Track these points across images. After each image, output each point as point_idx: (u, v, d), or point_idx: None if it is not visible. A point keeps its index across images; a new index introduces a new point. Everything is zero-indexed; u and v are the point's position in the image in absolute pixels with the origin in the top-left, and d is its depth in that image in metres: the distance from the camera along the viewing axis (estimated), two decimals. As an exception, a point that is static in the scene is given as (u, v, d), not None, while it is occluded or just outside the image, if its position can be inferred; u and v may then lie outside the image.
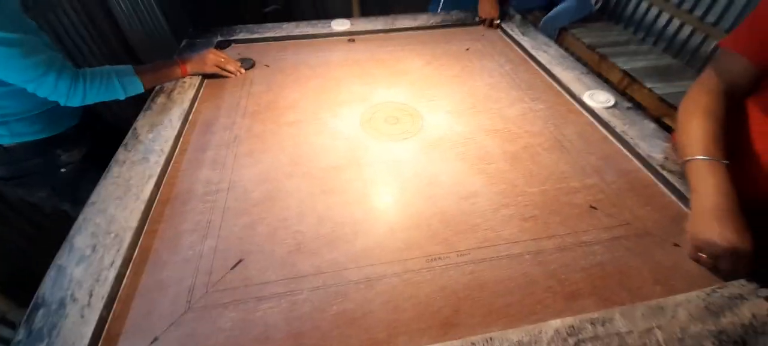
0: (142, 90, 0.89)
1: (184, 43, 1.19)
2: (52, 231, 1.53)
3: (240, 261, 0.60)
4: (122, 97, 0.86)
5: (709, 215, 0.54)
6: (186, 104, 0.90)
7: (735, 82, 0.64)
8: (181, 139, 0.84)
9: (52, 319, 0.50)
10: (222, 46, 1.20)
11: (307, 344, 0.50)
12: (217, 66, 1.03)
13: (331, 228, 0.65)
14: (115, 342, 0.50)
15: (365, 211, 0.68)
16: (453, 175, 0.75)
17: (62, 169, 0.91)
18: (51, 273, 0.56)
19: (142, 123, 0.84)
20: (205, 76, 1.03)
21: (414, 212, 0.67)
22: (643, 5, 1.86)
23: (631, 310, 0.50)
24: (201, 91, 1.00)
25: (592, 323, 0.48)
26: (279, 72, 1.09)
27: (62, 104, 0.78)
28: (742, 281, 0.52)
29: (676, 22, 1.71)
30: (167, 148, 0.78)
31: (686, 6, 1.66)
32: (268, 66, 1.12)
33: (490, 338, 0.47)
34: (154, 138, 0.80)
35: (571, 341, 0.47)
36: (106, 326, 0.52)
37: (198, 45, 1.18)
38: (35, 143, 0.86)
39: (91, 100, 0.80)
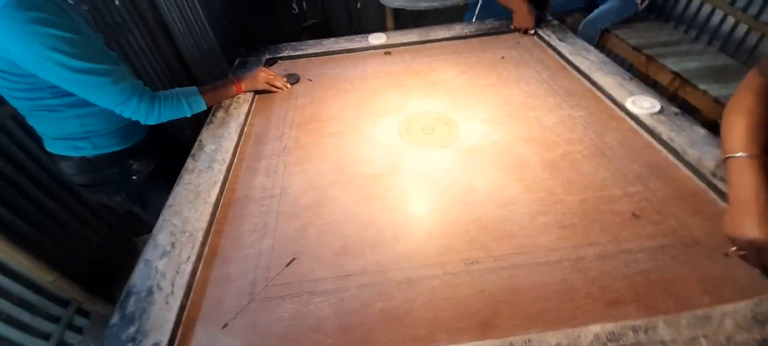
0: (205, 107, 1.01)
1: (237, 62, 1.32)
2: (120, 229, 1.74)
3: (293, 259, 0.67)
4: (189, 115, 0.97)
5: (746, 208, 0.56)
6: (241, 118, 1.01)
7: None
8: (238, 150, 0.93)
9: (142, 305, 0.60)
10: (270, 63, 1.31)
11: (355, 336, 0.55)
12: (267, 83, 1.13)
13: (373, 232, 0.70)
14: (193, 326, 0.59)
15: (405, 216, 0.72)
16: (490, 182, 0.77)
17: (134, 177, 1.04)
18: (140, 266, 0.66)
19: (206, 136, 0.95)
20: (257, 92, 1.14)
21: (451, 218, 0.71)
22: (695, 2, 1.76)
23: (676, 319, 0.49)
24: (253, 105, 1.10)
25: (634, 330, 0.49)
26: (320, 86, 1.17)
27: (142, 123, 0.91)
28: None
29: (730, 20, 1.60)
30: (228, 158, 0.87)
31: (740, 4, 1.54)
32: (310, 80, 1.20)
33: (529, 340, 0.50)
34: (216, 149, 0.91)
35: (611, 346, 0.48)
36: (185, 312, 0.60)
37: (250, 62, 1.30)
38: (113, 155, 0.98)
39: (165, 118, 0.92)
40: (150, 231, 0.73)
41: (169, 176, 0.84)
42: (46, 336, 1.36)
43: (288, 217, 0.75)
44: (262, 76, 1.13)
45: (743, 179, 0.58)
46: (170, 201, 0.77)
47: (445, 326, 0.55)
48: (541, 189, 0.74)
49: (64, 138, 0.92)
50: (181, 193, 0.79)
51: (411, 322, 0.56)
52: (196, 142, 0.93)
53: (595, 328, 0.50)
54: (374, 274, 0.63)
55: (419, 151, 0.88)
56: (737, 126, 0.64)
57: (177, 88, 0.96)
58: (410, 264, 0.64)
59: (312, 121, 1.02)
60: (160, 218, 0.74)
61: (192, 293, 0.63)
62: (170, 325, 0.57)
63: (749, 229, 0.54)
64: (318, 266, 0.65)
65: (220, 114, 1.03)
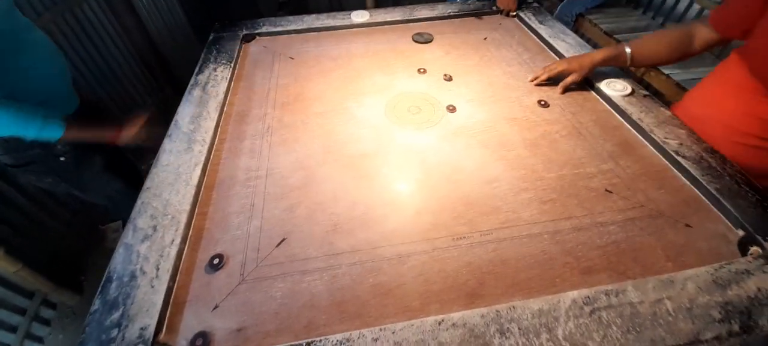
0: (58, 136, 0.88)
1: (211, 37, 1.25)
2: (84, 217, 1.63)
3: (283, 240, 0.66)
4: (31, 136, 0.85)
5: (586, 53, 0.95)
6: (221, 96, 0.96)
7: (696, 35, 0.84)
8: (219, 130, 0.90)
9: (126, 289, 0.58)
10: (247, 39, 1.25)
11: (348, 311, 0.56)
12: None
13: (363, 210, 0.71)
14: (182, 309, 0.58)
15: (393, 194, 0.74)
16: (475, 161, 0.80)
17: (61, 158, 0.97)
18: (120, 250, 0.63)
19: (182, 115, 0.91)
20: (234, 71, 1.08)
21: (439, 196, 0.73)
22: (663, -11, 1.84)
23: (643, 283, 0.54)
24: (232, 84, 1.05)
25: (607, 294, 0.54)
26: (303, 64, 1.14)
27: None
28: (749, 258, 0.57)
29: (696, 7, 1.69)
30: (208, 138, 0.84)
31: (706, -11, 1.63)
32: (292, 58, 1.17)
33: (513, 306, 0.53)
34: (195, 129, 0.87)
35: (587, 309, 0.52)
36: (173, 295, 0.59)
37: (225, 38, 1.23)
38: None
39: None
40: (118, 219, 0.70)
41: (105, 156, 0.76)
42: (12, 329, 1.29)
43: (276, 197, 0.74)
44: (131, 134, 0.97)
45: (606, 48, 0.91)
46: (148, 183, 0.74)
47: (435, 297, 0.58)
48: (523, 167, 0.78)
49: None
50: (159, 175, 0.76)
51: (403, 295, 0.58)
52: (172, 122, 0.88)
53: (573, 294, 0.54)
54: (365, 251, 0.64)
55: (406, 131, 0.89)
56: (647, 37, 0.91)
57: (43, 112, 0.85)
58: (400, 240, 0.65)
59: (296, 100, 0.99)
60: (139, 201, 0.71)
61: (179, 276, 0.62)
62: (157, 308, 0.55)
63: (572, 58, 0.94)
64: (309, 245, 0.65)
65: (197, 92, 0.98)
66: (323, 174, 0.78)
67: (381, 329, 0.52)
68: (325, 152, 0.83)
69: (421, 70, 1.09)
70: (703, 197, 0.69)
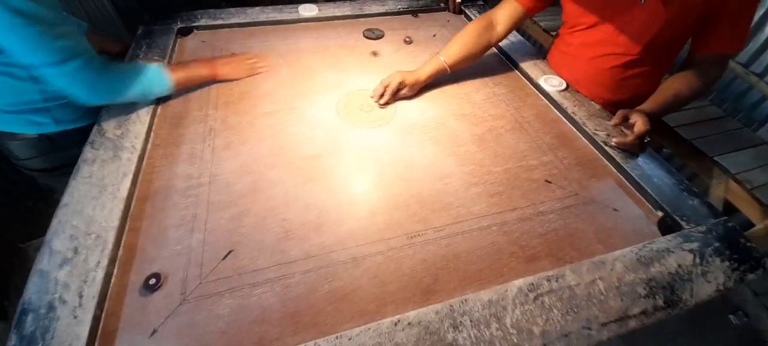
0: (168, 91, 0.86)
1: (140, 30, 1.12)
2: (0, 235, 1.42)
3: (230, 252, 0.62)
4: (151, 98, 0.84)
5: (417, 70, 0.97)
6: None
7: (498, 19, 1.00)
8: (152, 134, 0.82)
9: (44, 322, 0.50)
10: (184, 33, 1.15)
11: (303, 321, 0.55)
12: (252, 70, 1.00)
13: (316, 214, 0.68)
14: (113, 338, 0.52)
15: (348, 196, 0.72)
16: (427, 158, 0.81)
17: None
18: (33, 279, 0.55)
19: (106, 119, 0.81)
20: (169, 64, 0.99)
21: (393, 194, 0.73)
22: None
23: (579, 266, 0.59)
24: (167, 82, 0.96)
25: (548, 279, 0.57)
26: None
27: (83, 102, 0.73)
28: (669, 237, 0.64)
29: None
30: (139, 145, 0.76)
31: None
32: (235, 54, 1.09)
33: (465, 299, 0.55)
34: (123, 134, 0.78)
35: (531, 295, 0.55)
36: (101, 324, 0.53)
37: (156, 32, 1.12)
38: (78, 131, 0.83)
39: (114, 98, 0.77)
40: (41, 235, 0.61)
41: None
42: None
43: (221, 206, 0.69)
44: (245, 62, 0.99)
45: (426, 65, 0.98)
46: (66, 199, 0.65)
47: (391, 297, 0.58)
48: (473, 162, 0.81)
49: (18, 111, 0.77)
50: (79, 189, 0.67)
51: (359, 299, 0.57)
52: (94, 128, 0.78)
53: (518, 282, 0.57)
54: (319, 257, 0.62)
55: (359, 130, 0.87)
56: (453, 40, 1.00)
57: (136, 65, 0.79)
58: (355, 243, 0.64)
59: (241, 99, 0.93)
60: (54, 220, 0.62)
61: (107, 303, 0.55)
62: (83, 341, 0.49)
63: (395, 76, 0.94)
64: (259, 255, 0.62)
65: (124, 93, 0.88)
66: (273, 178, 0.74)
67: (337, 337, 0.51)
68: (275, 155, 0.79)
69: (372, 67, 1.07)
70: (628, 183, 0.77)
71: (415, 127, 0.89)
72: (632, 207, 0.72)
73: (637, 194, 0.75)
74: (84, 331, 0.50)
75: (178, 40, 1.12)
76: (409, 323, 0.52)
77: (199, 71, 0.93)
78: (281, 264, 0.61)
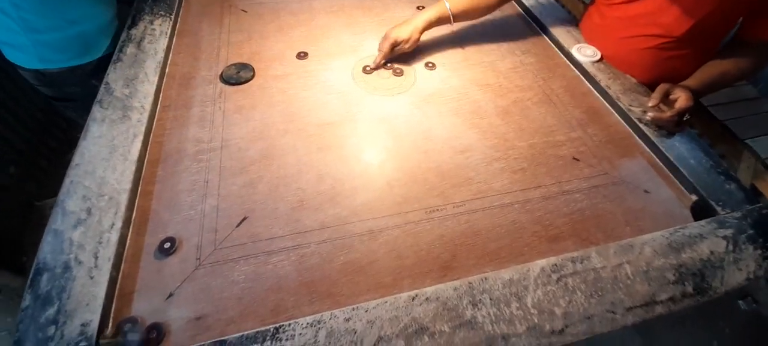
0: None
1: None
2: (15, 193, 1.45)
3: (244, 219, 0.61)
4: None
5: (410, 20, 0.87)
6: (160, 55, 0.83)
7: None
8: (161, 95, 0.79)
9: (60, 282, 0.50)
10: (190, -14, 1.08)
11: (319, 291, 0.54)
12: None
13: (330, 184, 0.66)
14: (130, 299, 0.52)
15: (363, 166, 0.69)
16: (447, 129, 0.77)
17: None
18: (47, 238, 0.54)
19: (113, 77, 0.78)
20: (175, 24, 0.94)
21: (411, 167, 0.70)
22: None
23: (605, 249, 0.57)
24: (173, 40, 0.92)
25: (573, 261, 0.55)
26: (258, 18, 1.01)
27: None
28: (703, 222, 0.60)
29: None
30: (148, 105, 0.73)
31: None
32: (245, 11, 1.03)
33: (485, 278, 0.53)
34: (132, 93, 0.75)
35: (554, 276, 0.53)
36: (118, 285, 0.53)
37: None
38: (68, 71, 0.86)
39: None
40: (55, 195, 0.60)
41: None
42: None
43: (233, 172, 0.67)
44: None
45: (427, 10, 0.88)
46: (77, 159, 0.63)
47: (408, 272, 0.56)
48: (496, 135, 0.76)
49: (10, 44, 0.81)
50: (90, 149, 0.65)
51: (375, 271, 0.56)
52: (102, 86, 0.75)
53: (541, 262, 0.55)
54: (334, 228, 0.61)
55: (375, 97, 0.83)
56: None
57: None
58: (371, 215, 0.62)
59: (252, 60, 0.88)
60: (66, 180, 0.61)
61: (123, 265, 0.55)
62: (99, 301, 0.49)
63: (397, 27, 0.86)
64: (273, 224, 0.60)
65: (130, 49, 0.84)
66: (285, 145, 0.72)
67: (353, 309, 0.50)
68: (287, 121, 0.76)
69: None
70: (661, 163, 0.72)
71: (435, 96, 0.84)
72: (664, 189, 0.68)
73: (671, 175, 0.70)
74: (101, 291, 0.50)
75: (185, -7, 1.06)
76: (427, 298, 0.51)
77: None
78: (296, 233, 0.60)
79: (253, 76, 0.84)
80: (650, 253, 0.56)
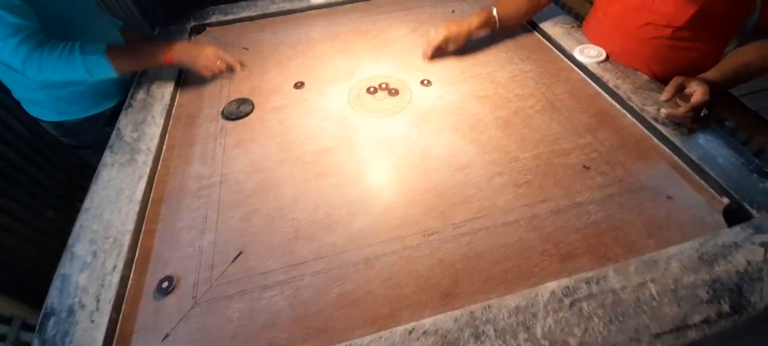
0: (113, 74, 0.80)
1: (156, 31, 1.14)
2: (54, 235, 1.55)
3: (240, 253, 0.60)
4: (88, 79, 0.80)
5: (463, 21, 0.93)
6: (167, 98, 0.88)
7: None
8: (167, 135, 0.82)
9: (64, 326, 0.52)
10: (197, 31, 1.15)
11: (312, 327, 0.52)
12: (212, 69, 0.88)
13: (326, 212, 0.65)
14: (129, 342, 0.52)
15: (360, 191, 0.68)
16: (445, 146, 0.74)
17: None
18: (56, 283, 0.57)
19: (124, 123, 0.82)
20: (183, 69, 0.99)
21: (408, 188, 0.67)
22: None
23: (625, 266, 0.51)
24: (180, 82, 0.96)
25: (587, 282, 0.50)
26: (258, 54, 1.05)
27: (20, 71, 0.74)
28: (737, 229, 0.53)
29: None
30: (154, 147, 0.76)
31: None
32: (246, 49, 1.07)
33: (489, 306, 0.49)
34: (139, 137, 0.79)
35: (566, 301, 0.48)
36: (118, 328, 0.53)
37: (171, 32, 1.13)
38: (85, 120, 0.93)
39: (50, 75, 0.76)
40: None
41: None
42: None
43: (231, 206, 0.67)
44: (209, 54, 0.86)
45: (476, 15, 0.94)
46: (87, 204, 0.66)
47: (406, 301, 0.53)
48: (496, 149, 0.73)
49: (30, 100, 0.89)
50: (99, 193, 0.68)
51: (371, 303, 0.53)
52: (114, 132, 0.80)
53: (551, 285, 0.50)
54: (330, 258, 0.59)
55: (371, 120, 0.82)
56: None
57: (80, 42, 0.76)
58: (367, 242, 0.60)
59: (252, 95, 0.91)
60: (77, 225, 0.64)
61: (124, 306, 0.56)
62: (99, 345, 0.49)
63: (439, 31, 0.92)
64: (268, 256, 0.60)
65: (140, 95, 0.89)
66: (282, 175, 0.72)
67: (346, 346, 0.47)
68: (284, 151, 0.77)
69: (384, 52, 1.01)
70: (684, 165, 0.65)
71: (431, 113, 0.82)
72: (690, 194, 0.61)
73: (697, 178, 0.63)
74: (100, 335, 0.50)
75: (192, 38, 1.12)
76: (424, 332, 0.47)
77: (147, 59, 0.86)
78: (291, 266, 0.58)
79: (252, 110, 0.86)
80: (678, 268, 0.50)
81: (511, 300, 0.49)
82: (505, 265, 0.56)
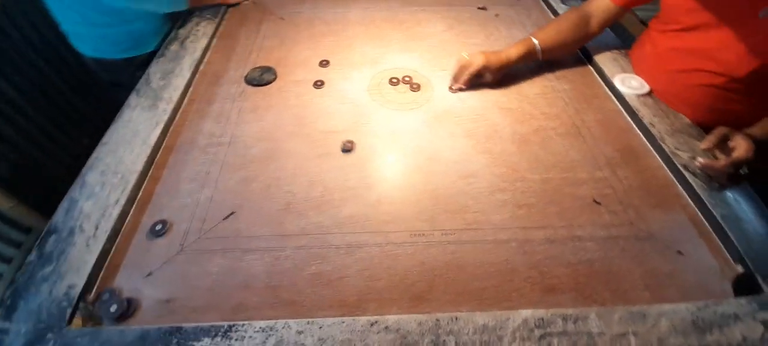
0: (184, 6, 0.98)
1: None
2: (85, 159, 1.68)
3: (232, 213, 0.63)
4: (158, 10, 0.95)
5: (502, 51, 0.84)
6: (198, 53, 0.91)
7: (592, 13, 0.85)
8: (191, 89, 0.85)
9: (61, 245, 0.56)
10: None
11: (282, 297, 0.53)
12: None
13: (321, 192, 0.66)
14: (116, 272, 0.56)
15: (358, 179, 0.68)
16: (455, 151, 0.72)
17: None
18: (64, 204, 0.61)
19: (154, 70, 0.86)
20: (218, 28, 1.02)
21: (406, 186, 0.67)
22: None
23: (609, 312, 0.48)
24: (213, 41, 1.00)
25: (564, 318, 0.47)
26: (293, 26, 1.07)
27: None
28: (742, 301, 0.48)
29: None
30: (176, 97, 0.80)
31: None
32: (282, 19, 1.09)
33: (456, 317, 0.48)
34: (165, 86, 0.83)
35: (537, 332, 0.46)
36: (109, 258, 0.57)
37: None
38: (122, 61, 1.00)
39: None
40: None
41: None
42: (8, 260, 1.35)
43: (234, 168, 0.69)
44: None
45: (515, 45, 0.85)
46: (106, 138, 0.71)
47: (376, 295, 0.53)
48: (507, 164, 0.70)
49: (75, 34, 0.98)
50: (118, 130, 0.73)
51: (342, 288, 0.54)
52: (143, 76, 0.84)
53: (526, 312, 0.48)
54: (314, 236, 0.60)
55: (387, 111, 0.81)
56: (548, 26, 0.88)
57: None
58: (352, 229, 0.60)
59: (278, 64, 0.93)
60: (93, 155, 0.69)
61: (119, 239, 0.59)
62: (88, 268, 0.53)
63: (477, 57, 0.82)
64: (257, 222, 0.61)
65: (173, 47, 0.93)
66: (288, 148, 0.73)
67: (308, 323, 0.48)
68: (297, 124, 0.78)
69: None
70: (705, 222, 0.60)
71: (449, 114, 0.80)
72: (704, 254, 0.56)
73: (716, 238, 0.58)
74: (92, 259, 0.54)
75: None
76: (386, 328, 0.47)
77: None
78: (276, 235, 0.60)
79: (274, 79, 0.88)
80: (667, 327, 0.46)
81: (480, 318, 0.48)
82: (484, 282, 0.54)
